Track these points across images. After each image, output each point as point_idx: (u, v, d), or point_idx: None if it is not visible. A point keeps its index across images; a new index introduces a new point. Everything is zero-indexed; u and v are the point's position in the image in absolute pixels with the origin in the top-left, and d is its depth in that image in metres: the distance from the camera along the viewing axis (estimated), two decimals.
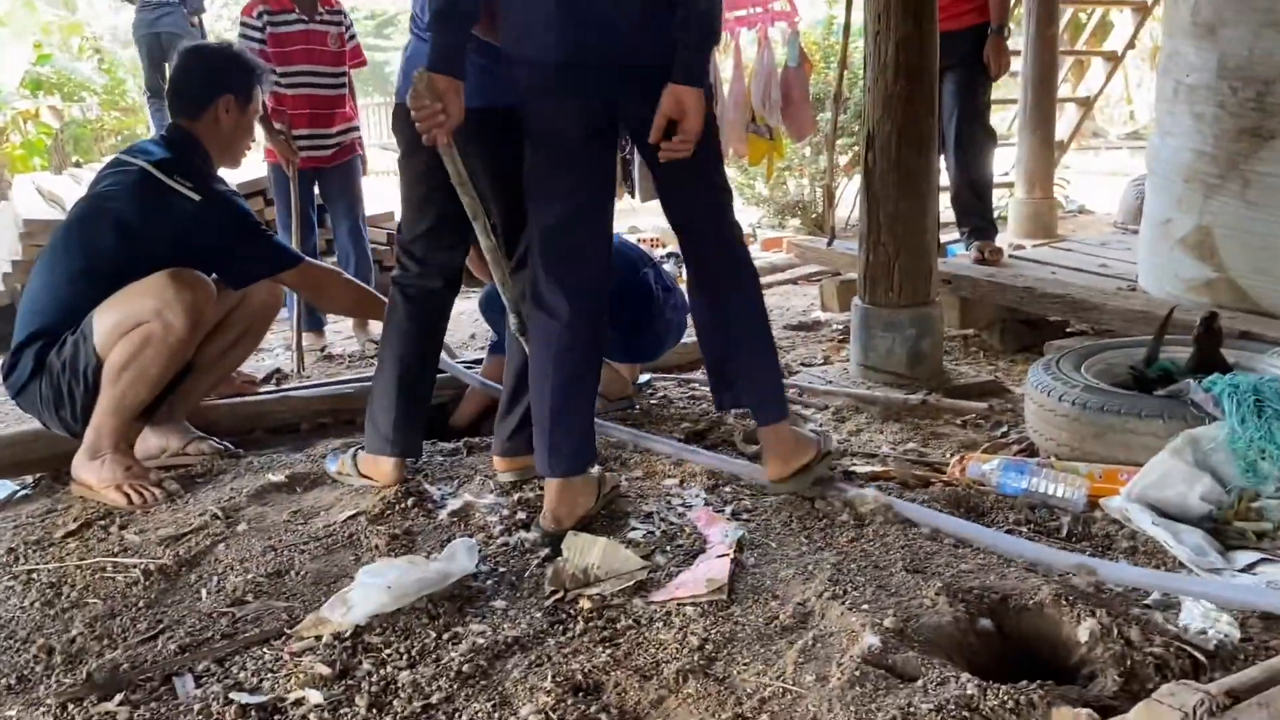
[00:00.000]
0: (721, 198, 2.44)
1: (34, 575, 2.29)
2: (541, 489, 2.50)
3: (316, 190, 4.79)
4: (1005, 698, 1.57)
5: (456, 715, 1.70)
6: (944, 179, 4.29)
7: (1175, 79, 3.61)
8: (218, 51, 3.13)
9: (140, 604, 2.13)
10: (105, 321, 2.70)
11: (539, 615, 1.99)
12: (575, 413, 2.33)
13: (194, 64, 3.02)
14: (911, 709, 1.56)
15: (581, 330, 2.31)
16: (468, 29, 2.20)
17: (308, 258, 3.18)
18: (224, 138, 2.95)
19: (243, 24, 4.47)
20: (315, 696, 1.76)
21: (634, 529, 2.33)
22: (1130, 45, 8.24)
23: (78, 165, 12.22)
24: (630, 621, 1.95)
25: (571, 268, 2.31)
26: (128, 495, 2.67)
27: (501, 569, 2.19)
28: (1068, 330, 4.08)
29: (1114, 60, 8.07)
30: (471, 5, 2.17)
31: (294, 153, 4.41)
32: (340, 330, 4.96)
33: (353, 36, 4.75)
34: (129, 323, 2.67)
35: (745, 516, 2.39)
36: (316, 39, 4.53)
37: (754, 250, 4.70)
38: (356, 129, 4.81)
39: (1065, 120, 7.51)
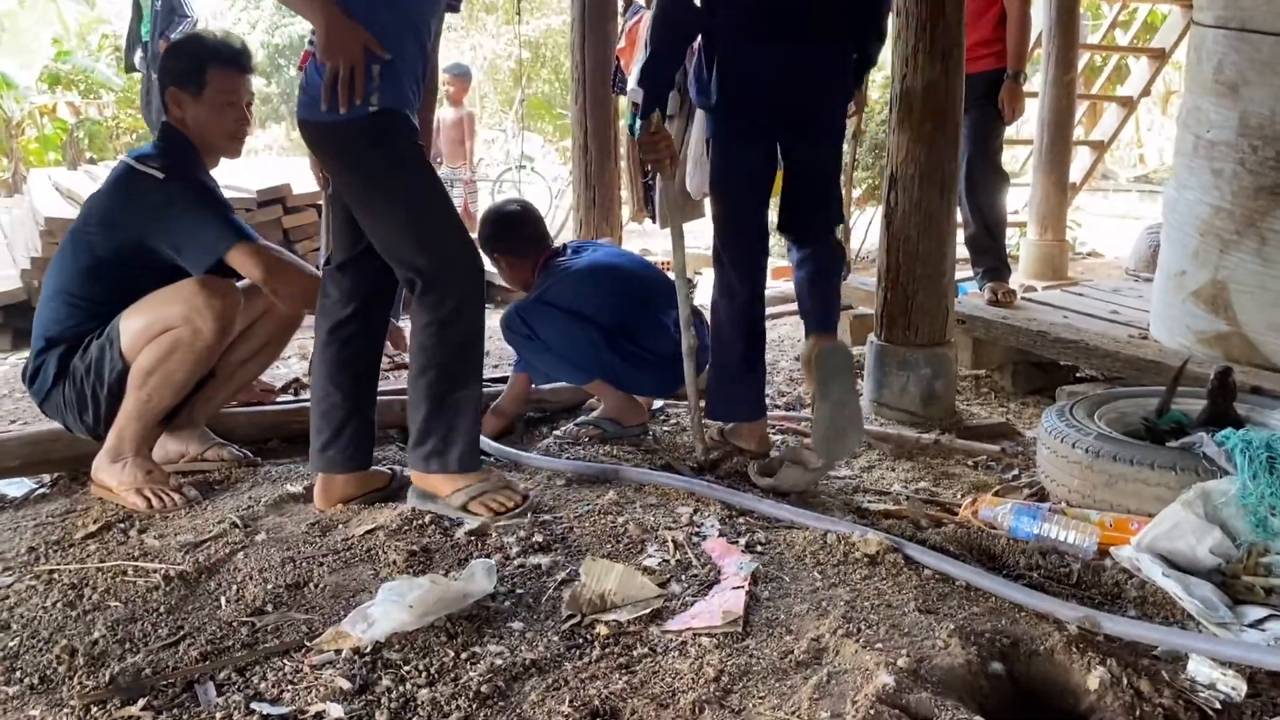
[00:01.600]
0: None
1: (55, 575, 2.31)
2: (559, 515, 2.60)
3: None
4: None
5: None
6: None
7: (1195, 134, 3.65)
8: (166, 49, 3.13)
9: (161, 609, 2.15)
10: (133, 326, 2.73)
11: (556, 639, 2.01)
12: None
13: None
14: None
15: (757, 306, 3.11)
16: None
17: (262, 239, 3.03)
18: (191, 130, 2.90)
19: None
20: (335, 710, 1.77)
21: (650, 556, 2.36)
22: (1145, 92, 8.30)
23: (92, 161, 12.32)
24: (646, 649, 1.97)
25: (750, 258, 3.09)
26: (148, 499, 2.69)
27: (519, 590, 2.21)
28: (1078, 375, 4.11)
29: (1129, 105, 8.12)
30: (674, 71, 2.98)
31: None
32: None
33: None
34: (157, 327, 2.71)
35: (759, 549, 2.41)
36: None
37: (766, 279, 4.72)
38: None
39: (1078, 163, 7.56)
